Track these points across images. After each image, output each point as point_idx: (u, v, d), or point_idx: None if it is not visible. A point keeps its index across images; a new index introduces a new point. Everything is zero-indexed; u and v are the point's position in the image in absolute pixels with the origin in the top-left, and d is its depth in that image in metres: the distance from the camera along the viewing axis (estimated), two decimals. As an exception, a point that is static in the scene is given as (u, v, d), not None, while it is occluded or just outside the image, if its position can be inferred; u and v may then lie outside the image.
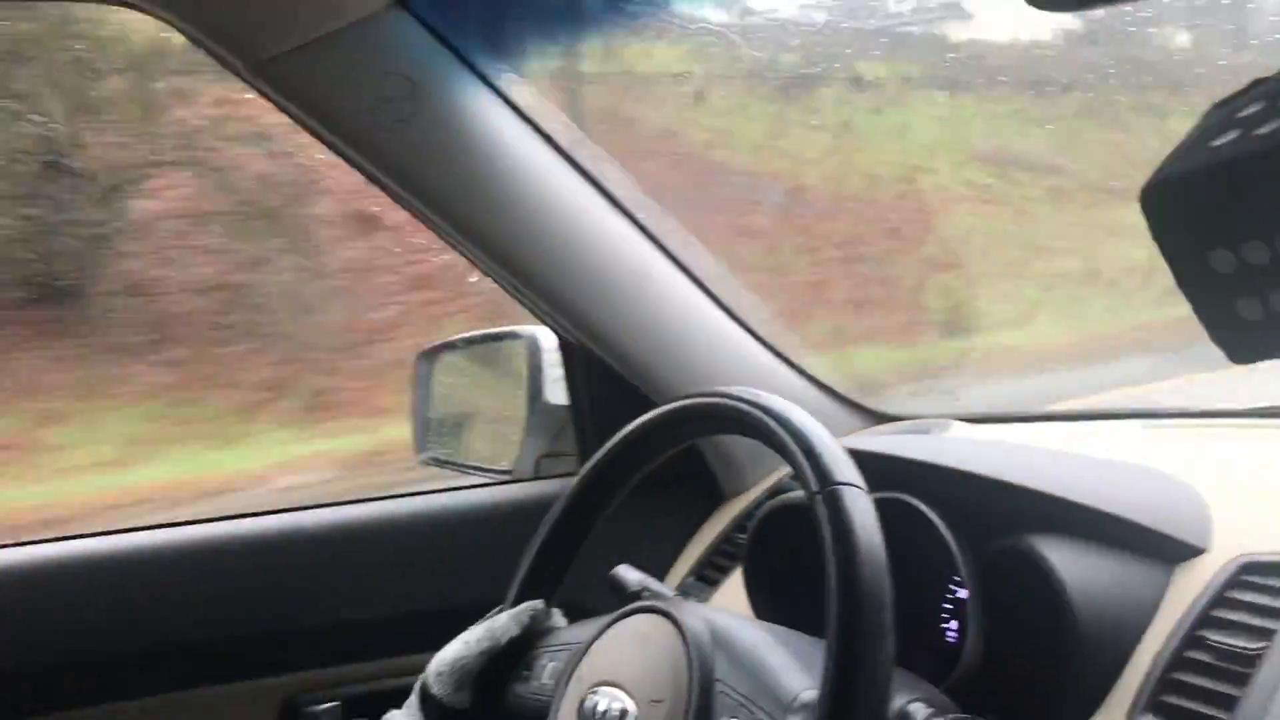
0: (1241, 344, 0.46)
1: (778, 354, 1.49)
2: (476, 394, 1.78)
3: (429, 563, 1.46)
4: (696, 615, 0.93)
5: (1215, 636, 0.88)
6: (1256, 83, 0.46)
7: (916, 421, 1.45)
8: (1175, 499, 1.00)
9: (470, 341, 1.77)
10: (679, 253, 1.41)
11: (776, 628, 0.96)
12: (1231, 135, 0.44)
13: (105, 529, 1.38)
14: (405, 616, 1.42)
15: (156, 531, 1.38)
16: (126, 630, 1.33)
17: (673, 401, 1.03)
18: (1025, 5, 0.50)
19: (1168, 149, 0.46)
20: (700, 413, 1.00)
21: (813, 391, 1.49)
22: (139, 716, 1.33)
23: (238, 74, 1.16)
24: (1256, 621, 0.87)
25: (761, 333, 1.48)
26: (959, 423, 1.41)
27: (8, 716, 1.10)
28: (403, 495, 1.52)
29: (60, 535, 1.36)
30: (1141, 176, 0.46)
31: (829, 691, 0.77)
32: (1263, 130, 0.43)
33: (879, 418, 1.53)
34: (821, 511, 0.82)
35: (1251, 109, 0.44)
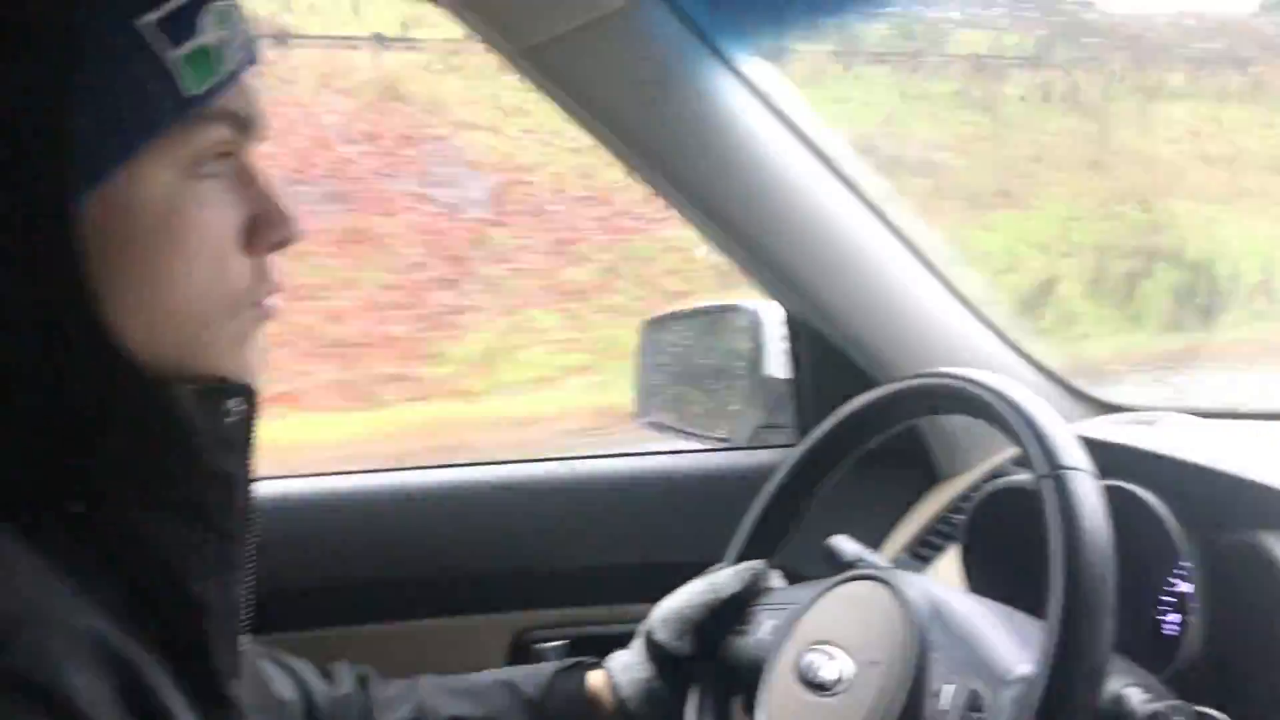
0: None
1: (1004, 339, 1.49)
2: (698, 363, 1.85)
3: (651, 518, 1.54)
4: (915, 585, 0.97)
5: None
6: None
7: (1142, 414, 1.43)
8: None
9: (695, 313, 1.85)
10: (909, 235, 1.44)
11: (993, 604, 0.99)
12: None
13: (369, 468, 1.53)
14: (627, 567, 1.51)
15: (412, 473, 1.52)
16: (383, 559, 1.47)
17: (902, 379, 1.07)
18: None
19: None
20: (930, 391, 1.03)
21: (1039, 378, 1.49)
22: (386, 639, 1.47)
23: (508, 58, 1.26)
24: None
25: (988, 317, 1.49)
26: (1186, 416, 1.38)
27: (270, 629, 1.24)
28: (631, 454, 1.62)
29: (332, 471, 1.52)
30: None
31: (1047, 668, 0.79)
32: None
33: (1105, 408, 1.51)
34: (1049, 494, 0.84)
35: None
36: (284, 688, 1.08)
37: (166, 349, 0.72)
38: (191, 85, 0.70)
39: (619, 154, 1.35)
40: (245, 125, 0.75)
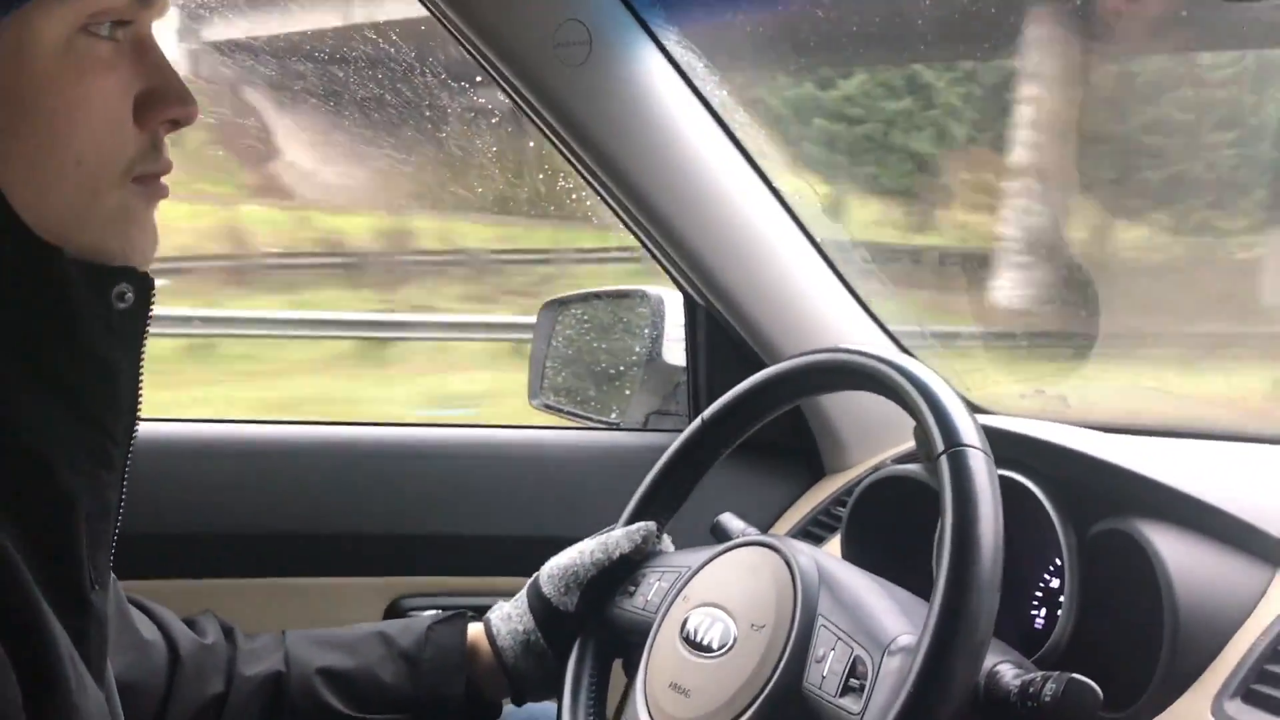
0: None
1: (894, 339, 1.53)
2: (595, 347, 1.84)
3: (533, 493, 1.53)
4: (805, 553, 0.97)
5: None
6: None
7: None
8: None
9: (595, 296, 1.84)
10: (811, 227, 1.46)
11: (878, 578, 1.00)
12: None
13: (264, 419, 1.48)
14: (506, 539, 1.50)
15: (295, 427, 1.48)
16: (256, 513, 1.43)
17: (810, 352, 1.07)
18: None
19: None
20: (837, 366, 1.03)
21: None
22: (256, 594, 1.43)
23: None
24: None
25: (881, 317, 1.52)
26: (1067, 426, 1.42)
27: (136, 575, 1.19)
28: (517, 427, 1.61)
29: (211, 418, 1.47)
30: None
31: (931, 639, 0.80)
32: None
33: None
34: (945, 470, 0.85)
35: None
36: (146, 629, 1.04)
37: (54, 213, 0.70)
38: None
39: (538, 115, 1.34)
40: None
